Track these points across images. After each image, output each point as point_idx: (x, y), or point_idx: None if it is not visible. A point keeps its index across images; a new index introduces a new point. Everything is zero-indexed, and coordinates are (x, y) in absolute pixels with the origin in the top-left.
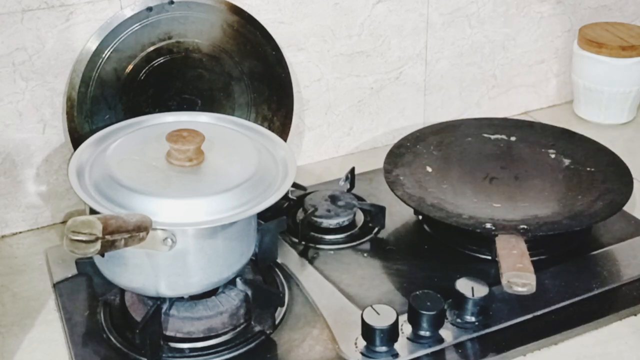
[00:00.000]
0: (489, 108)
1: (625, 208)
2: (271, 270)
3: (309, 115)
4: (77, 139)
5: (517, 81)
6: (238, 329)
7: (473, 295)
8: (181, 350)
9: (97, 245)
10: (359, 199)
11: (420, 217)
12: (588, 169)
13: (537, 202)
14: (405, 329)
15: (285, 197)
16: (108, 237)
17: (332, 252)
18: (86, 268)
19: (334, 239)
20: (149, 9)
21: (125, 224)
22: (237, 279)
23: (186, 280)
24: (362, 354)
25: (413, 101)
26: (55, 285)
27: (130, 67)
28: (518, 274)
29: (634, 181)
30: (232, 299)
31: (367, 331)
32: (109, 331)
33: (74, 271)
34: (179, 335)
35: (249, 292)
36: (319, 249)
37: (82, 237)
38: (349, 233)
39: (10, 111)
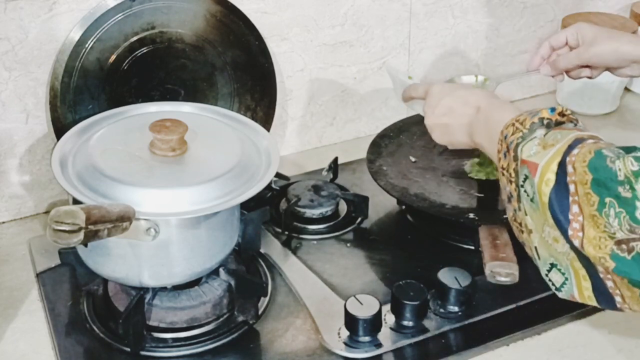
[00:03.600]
0: None
1: None
2: (254, 260)
3: (292, 105)
4: (60, 129)
5: (500, 71)
6: (221, 319)
7: (456, 285)
8: (164, 340)
9: (80, 235)
10: (342, 189)
11: (404, 207)
12: None
13: None
14: (389, 319)
15: (269, 187)
16: (91, 227)
17: (315, 242)
18: (69, 258)
19: (317, 229)
20: None
21: (108, 214)
22: (220, 269)
23: (169, 270)
24: (345, 344)
25: None
26: (38, 275)
27: (113, 57)
28: (501, 264)
29: None
30: (215, 289)
31: (350, 321)
32: (92, 321)
33: (57, 261)
34: (162, 325)
35: (232, 282)
36: (302, 239)
37: (65, 227)
38: (332, 223)
39: None
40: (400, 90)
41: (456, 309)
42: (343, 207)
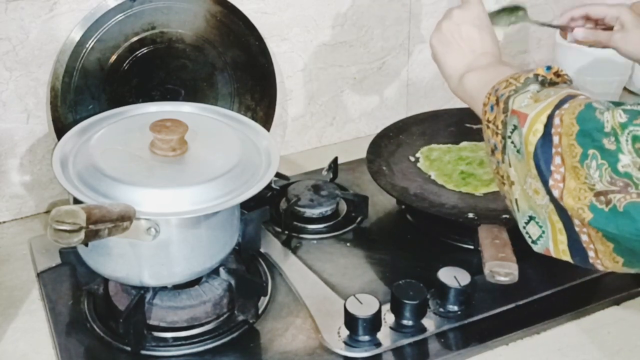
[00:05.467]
0: None
1: None
2: (254, 259)
3: (292, 105)
4: (60, 129)
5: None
6: (221, 319)
7: (456, 284)
8: (165, 339)
9: (81, 235)
10: (342, 188)
11: (403, 206)
12: None
13: None
14: (388, 318)
15: (269, 187)
16: (92, 226)
17: (315, 241)
18: (70, 257)
19: (317, 229)
20: None
21: (109, 213)
22: (221, 269)
23: (169, 270)
24: (345, 343)
25: (396, 91)
26: (39, 275)
27: (113, 57)
28: (500, 263)
29: None
30: (215, 289)
31: (350, 320)
32: (92, 320)
33: (58, 261)
34: (162, 324)
35: (232, 282)
36: (302, 238)
37: (66, 226)
38: (332, 223)
39: None
40: None
41: (455, 308)
42: (343, 207)
